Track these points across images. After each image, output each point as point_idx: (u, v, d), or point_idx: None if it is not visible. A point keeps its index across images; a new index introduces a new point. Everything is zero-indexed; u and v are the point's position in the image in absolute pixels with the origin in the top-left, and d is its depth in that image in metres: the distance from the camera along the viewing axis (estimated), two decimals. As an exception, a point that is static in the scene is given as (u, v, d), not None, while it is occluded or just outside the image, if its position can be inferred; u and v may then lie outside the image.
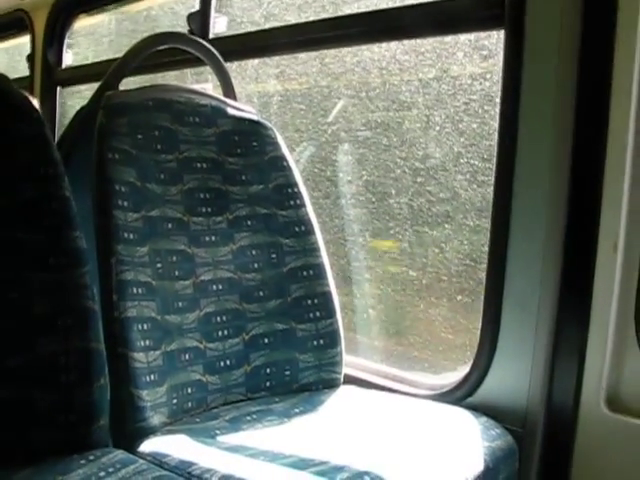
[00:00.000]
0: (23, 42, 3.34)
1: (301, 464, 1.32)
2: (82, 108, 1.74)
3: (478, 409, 1.61)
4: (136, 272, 1.53)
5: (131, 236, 1.54)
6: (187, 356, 1.60)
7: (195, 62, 2.12)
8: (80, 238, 1.40)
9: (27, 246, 1.35)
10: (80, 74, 3.10)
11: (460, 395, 1.70)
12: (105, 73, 2.74)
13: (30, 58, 3.12)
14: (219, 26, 2.35)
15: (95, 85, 2.82)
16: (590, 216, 1.50)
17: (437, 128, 1.98)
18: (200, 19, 2.33)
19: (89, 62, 3.13)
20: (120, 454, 1.34)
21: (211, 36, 2.32)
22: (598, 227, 1.49)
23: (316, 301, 1.77)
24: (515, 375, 1.62)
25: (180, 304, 1.61)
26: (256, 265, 1.75)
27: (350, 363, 1.87)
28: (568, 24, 1.49)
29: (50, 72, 3.05)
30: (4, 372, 1.31)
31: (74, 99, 3.19)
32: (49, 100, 3.00)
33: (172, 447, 1.41)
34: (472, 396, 1.68)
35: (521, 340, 1.60)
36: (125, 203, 1.55)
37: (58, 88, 3.11)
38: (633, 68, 1.43)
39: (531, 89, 1.56)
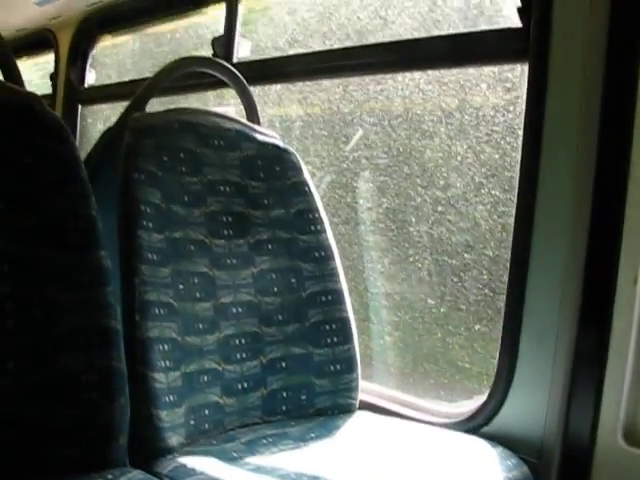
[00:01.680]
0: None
1: None
2: (109, 128, 1.76)
3: (494, 439, 1.61)
4: (159, 293, 1.54)
5: (154, 257, 1.56)
6: (205, 378, 1.60)
7: (218, 85, 2.14)
8: (105, 257, 1.41)
9: (52, 263, 1.37)
10: (102, 94, 3.13)
11: (476, 424, 1.70)
12: (126, 93, 2.80)
13: (53, 76, 3.15)
14: (243, 50, 2.38)
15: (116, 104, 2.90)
16: (611, 248, 1.50)
17: (459, 158, 1.99)
18: (224, 43, 2.36)
19: (111, 82, 3.16)
20: (139, 474, 1.34)
21: (235, 60, 2.34)
22: (619, 259, 1.48)
23: (334, 326, 1.78)
24: (532, 405, 1.61)
25: (200, 326, 1.62)
26: (276, 289, 1.76)
27: (366, 389, 1.87)
28: (591, 59, 1.50)
29: (72, 91, 3.08)
30: (25, 389, 1.31)
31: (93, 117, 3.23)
32: (71, 118, 3.04)
33: (190, 468, 1.41)
34: (488, 425, 1.68)
35: (538, 370, 1.60)
36: (150, 224, 1.57)
37: (79, 107, 3.15)
38: (657, 102, 1.44)
39: (554, 122, 1.57)
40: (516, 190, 1.65)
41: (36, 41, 3.20)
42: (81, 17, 3.02)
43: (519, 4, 1.62)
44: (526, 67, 1.63)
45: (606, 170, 1.51)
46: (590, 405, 1.52)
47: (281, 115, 2.41)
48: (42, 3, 2.82)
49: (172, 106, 1.87)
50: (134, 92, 2.15)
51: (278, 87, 2.41)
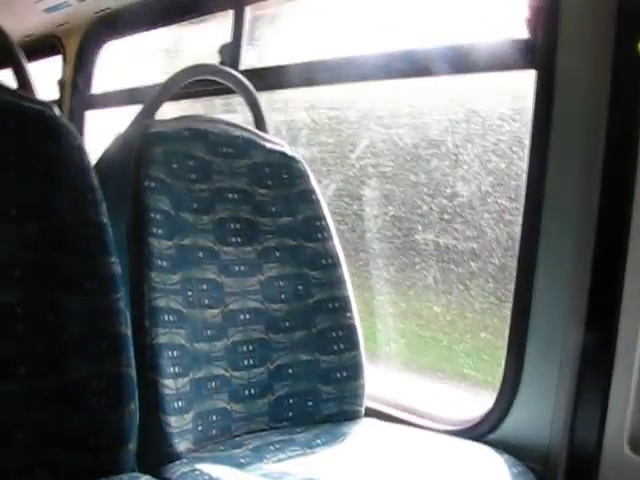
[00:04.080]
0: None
1: None
2: (119, 135, 1.77)
3: (500, 446, 1.61)
4: (168, 299, 1.55)
5: (164, 263, 1.57)
6: (213, 384, 1.61)
7: (225, 92, 2.15)
8: (116, 264, 1.42)
9: (63, 269, 1.38)
10: (108, 100, 3.15)
11: (482, 431, 1.71)
12: (132, 99, 2.81)
13: (60, 82, 3.17)
14: (249, 58, 2.40)
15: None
16: (617, 257, 1.50)
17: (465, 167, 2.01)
18: (231, 50, 2.37)
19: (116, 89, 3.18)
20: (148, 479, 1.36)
21: (242, 67, 2.36)
22: (625, 268, 1.49)
23: (340, 333, 1.79)
24: (538, 413, 1.62)
25: (208, 332, 1.63)
26: (283, 296, 1.77)
27: (372, 396, 1.88)
28: (599, 68, 1.51)
29: (79, 96, 3.10)
30: (35, 393, 1.32)
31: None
32: (77, 124, 3.05)
33: (198, 474, 1.42)
34: (494, 433, 1.69)
35: (544, 378, 1.61)
36: (159, 231, 1.58)
37: (86, 112, 3.16)
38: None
39: (560, 131, 1.58)
40: (523, 199, 1.66)
41: (43, 47, 3.22)
42: (88, 24, 3.03)
43: (527, 15, 1.63)
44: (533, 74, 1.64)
45: (612, 178, 1.52)
46: (596, 413, 1.53)
47: (288, 121, 2.42)
48: (51, 10, 2.83)
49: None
50: (140, 98, 2.17)
51: (285, 94, 2.42)
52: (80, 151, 1.44)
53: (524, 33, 1.66)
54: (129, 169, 1.62)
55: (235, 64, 2.37)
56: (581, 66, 1.56)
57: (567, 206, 1.58)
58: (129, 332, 1.41)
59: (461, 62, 1.81)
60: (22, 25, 3.00)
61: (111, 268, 1.41)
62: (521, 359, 1.64)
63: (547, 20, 1.59)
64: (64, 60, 3.12)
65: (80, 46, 3.03)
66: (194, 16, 2.79)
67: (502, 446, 1.62)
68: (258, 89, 2.06)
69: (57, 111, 1.44)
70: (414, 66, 1.92)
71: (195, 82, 2.03)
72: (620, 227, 1.50)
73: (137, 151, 1.63)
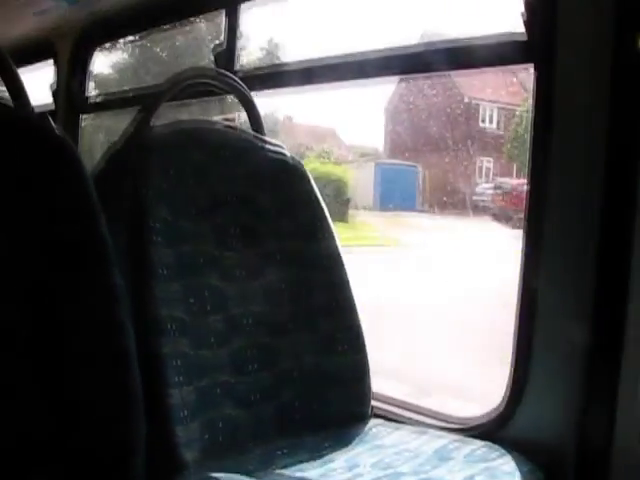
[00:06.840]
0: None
1: None
2: (115, 142, 1.75)
3: (508, 444, 1.60)
4: (170, 308, 1.54)
5: (165, 272, 1.55)
6: (218, 390, 1.60)
7: (221, 93, 2.13)
8: (116, 275, 1.40)
9: (64, 284, 1.36)
10: (103, 103, 3.13)
11: (490, 430, 1.70)
12: (128, 102, 2.80)
13: (53, 86, 3.15)
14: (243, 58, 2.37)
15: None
16: (626, 239, 1.49)
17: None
18: (225, 52, 2.35)
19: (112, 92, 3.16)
20: (157, 492, 1.35)
21: (237, 68, 2.34)
22: (631, 254, 1.48)
23: (344, 335, 1.78)
24: (546, 410, 1.62)
25: (212, 339, 1.61)
26: (285, 299, 1.75)
27: (378, 397, 1.87)
28: (599, 62, 1.50)
29: (73, 100, 3.08)
30: (41, 408, 1.31)
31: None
32: (72, 128, 3.02)
33: (207, 484, 1.41)
34: (502, 431, 1.68)
35: (553, 375, 1.60)
36: (159, 239, 1.56)
37: (81, 116, 3.14)
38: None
39: (562, 125, 1.57)
40: (526, 184, 1.65)
41: (36, 51, 3.19)
42: (80, 27, 3.00)
43: (524, 10, 1.62)
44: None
45: (615, 174, 1.51)
46: (606, 410, 1.52)
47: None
48: (40, 13, 2.80)
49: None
50: (136, 101, 2.15)
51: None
52: (77, 163, 1.42)
53: (522, 28, 1.64)
54: (127, 178, 1.60)
55: (230, 65, 2.34)
56: (581, 61, 1.55)
57: (570, 204, 1.57)
58: (132, 343, 1.40)
59: (460, 58, 1.79)
60: (14, 29, 2.97)
61: (112, 280, 1.40)
62: (529, 355, 1.63)
63: (544, 15, 1.57)
64: (57, 64, 3.09)
65: (73, 49, 3.00)
66: (186, 17, 2.77)
67: (511, 444, 1.60)
68: (253, 89, 2.04)
69: (52, 123, 1.42)
70: (412, 63, 1.90)
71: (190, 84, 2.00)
72: (624, 225, 1.49)
73: (134, 158, 1.62)
